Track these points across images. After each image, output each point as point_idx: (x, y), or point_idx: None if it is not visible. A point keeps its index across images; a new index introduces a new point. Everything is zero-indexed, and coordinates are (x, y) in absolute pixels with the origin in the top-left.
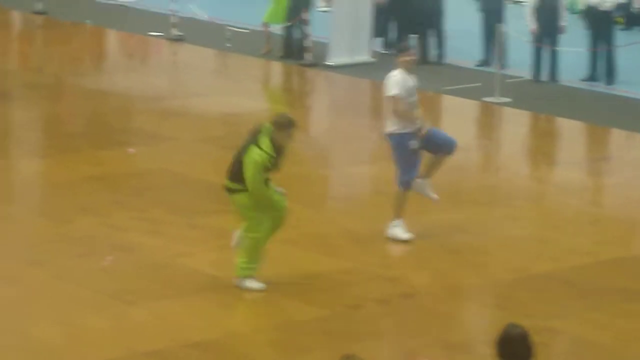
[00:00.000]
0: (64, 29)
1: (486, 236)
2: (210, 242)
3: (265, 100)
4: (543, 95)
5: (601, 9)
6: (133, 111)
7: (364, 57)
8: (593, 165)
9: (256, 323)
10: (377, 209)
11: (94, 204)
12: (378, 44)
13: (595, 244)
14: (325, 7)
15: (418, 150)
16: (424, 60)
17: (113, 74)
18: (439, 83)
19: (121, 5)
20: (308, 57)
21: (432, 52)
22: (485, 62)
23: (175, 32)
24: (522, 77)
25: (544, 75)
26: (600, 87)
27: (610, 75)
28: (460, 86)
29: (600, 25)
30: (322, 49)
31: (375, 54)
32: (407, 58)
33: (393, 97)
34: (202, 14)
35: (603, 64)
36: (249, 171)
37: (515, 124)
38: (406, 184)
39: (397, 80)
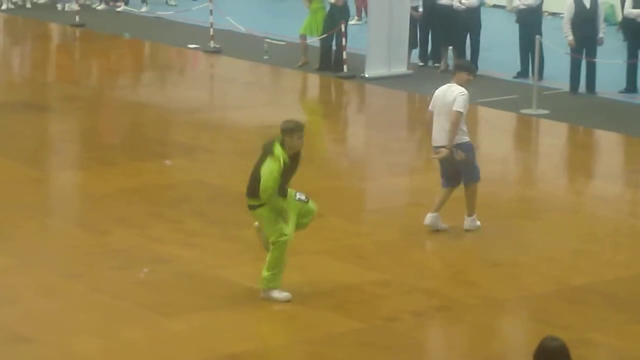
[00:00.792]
0: (102, 41)
1: (523, 248)
2: (245, 255)
3: (302, 113)
4: (580, 107)
5: (638, 20)
6: (170, 123)
7: (401, 69)
8: (631, 177)
9: (292, 335)
10: (413, 221)
11: (131, 215)
12: (414, 56)
13: (634, 256)
14: (356, 21)
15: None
16: None
17: (150, 86)
18: (476, 95)
19: (159, 18)
20: (345, 69)
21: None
22: (522, 74)
23: (212, 44)
24: (559, 89)
25: (582, 87)
26: (638, 99)
27: None
28: (498, 98)
29: (638, 37)
30: (359, 61)
31: (412, 66)
32: (472, 77)
33: (462, 114)
34: (240, 27)
35: None
36: (263, 182)
37: (553, 136)
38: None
39: (467, 98)
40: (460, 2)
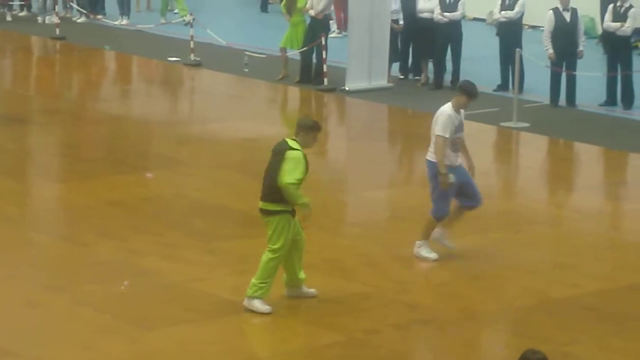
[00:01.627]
0: (83, 54)
1: (504, 261)
2: (227, 267)
3: (282, 126)
4: (561, 120)
5: (619, 33)
6: (151, 136)
7: (382, 82)
8: (611, 190)
9: (274, 348)
10: (395, 234)
11: (112, 228)
12: (395, 69)
13: (614, 269)
14: (337, 33)
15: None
16: (439, 85)
17: (131, 99)
18: None
19: (139, 31)
20: (325, 82)
21: (447, 77)
22: (503, 87)
23: (193, 57)
24: (539, 102)
25: (562, 100)
26: (618, 112)
27: (628, 100)
28: (478, 111)
29: (618, 50)
30: (339, 74)
31: (392, 79)
32: (468, 101)
33: (441, 137)
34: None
35: (621, 89)
36: (289, 174)
37: (533, 149)
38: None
39: (447, 120)
40: (443, 15)
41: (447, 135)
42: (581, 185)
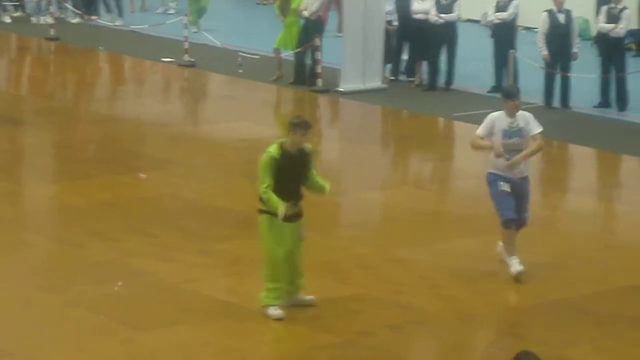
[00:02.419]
0: (77, 55)
1: (498, 263)
2: (221, 268)
3: (276, 127)
4: (554, 122)
5: (613, 35)
6: (144, 137)
7: (376, 83)
8: (605, 192)
9: (268, 349)
10: (388, 235)
11: (106, 229)
12: (388, 70)
13: (608, 272)
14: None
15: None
16: (433, 86)
17: (125, 99)
18: (450, 109)
19: (133, 32)
20: (319, 83)
21: (441, 78)
22: (496, 88)
23: (187, 58)
24: (533, 104)
25: (556, 102)
26: (612, 113)
27: (622, 101)
28: (472, 112)
29: (612, 52)
30: (333, 75)
31: (386, 80)
32: (510, 104)
33: (477, 135)
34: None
35: (615, 91)
36: (258, 173)
37: None
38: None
39: (486, 119)
40: (439, 16)
41: (478, 132)
42: (575, 187)
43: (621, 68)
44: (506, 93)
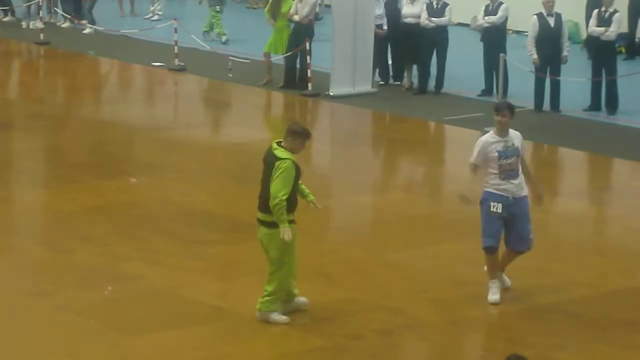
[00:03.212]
0: (67, 59)
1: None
2: (211, 273)
3: (266, 131)
4: (545, 125)
5: (604, 38)
6: (135, 141)
7: (366, 87)
8: (595, 196)
9: (258, 353)
10: (378, 239)
11: (96, 234)
12: (376, 74)
13: (599, 275)
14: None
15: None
16: (423, 89)
17: (115, 104)
18: (440, 113)
19: (124, 36)
20: (309, 87)
21: (431, 82)
22: (487, 92)
23: (177, 62)
24: (524, 107)
25: (546, 105)
26: (602, 117)
27: (612, 105)
28: (462, 116)
29: (602, 55)
30: (323, 79)
31: (376, 84)
32: (497, 118)
33: (471, 164)
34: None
35: (605, 94)
36: (277, 184)
37: None
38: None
39: (477, 145)
40: (430, 20)
41: (472, 161)
42: (565, 191)
43: (612, 71)
44: (497, 106)
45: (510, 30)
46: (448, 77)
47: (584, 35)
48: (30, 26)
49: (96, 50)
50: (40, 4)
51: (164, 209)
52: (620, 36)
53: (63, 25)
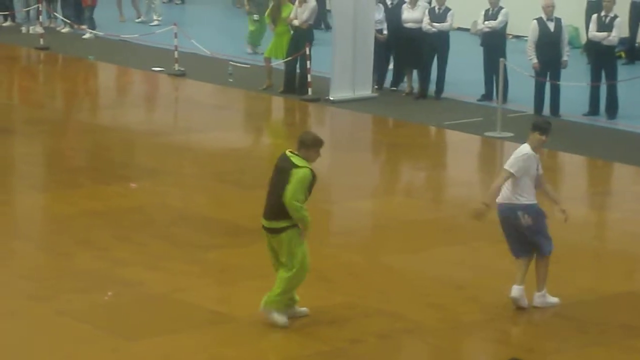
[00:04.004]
0: (67, 64)
1: (487, 271)
2: (210, 277)
3: (266, 136)
4: None
5: (606, 43)
6: (134, 146)
7: (366, 92)
8: (594, 200)
9: (258, 358)
10: (378, 244)
11: (95, 238)
12: (375, 79)
13: (597, 279)
14: None
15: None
16: (424, 94)
17: (115, 109)
18: (440, 118)
19: (124, 41)
20: (309, 92)
21: (431, 87)
22: (487, 97)
23: (177, 67)
24: (523, 112)
25: (546, 110)
26: (602, 121)
27: (612, 109)
28: (462, 121)
29: (602, 60)
30: (323, 84)
31: (376, 89)
32: (544, 138)
33: (509, 173)
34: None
35: (605, 99)
36: (291, 188)
37: None
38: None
39: (519, 158)
40: (432, 25)
41: (512, 171)
42: (564, 195)
43: (612, 76)
44: (546, 129)
45: (510, 35)
46: (448, 81)
47: (583, 40)
48: (30, 31)
49: (96, 55)
50: (40, 9)
51: (163, 213)
52: (620, 41)
53: (63, 30)
